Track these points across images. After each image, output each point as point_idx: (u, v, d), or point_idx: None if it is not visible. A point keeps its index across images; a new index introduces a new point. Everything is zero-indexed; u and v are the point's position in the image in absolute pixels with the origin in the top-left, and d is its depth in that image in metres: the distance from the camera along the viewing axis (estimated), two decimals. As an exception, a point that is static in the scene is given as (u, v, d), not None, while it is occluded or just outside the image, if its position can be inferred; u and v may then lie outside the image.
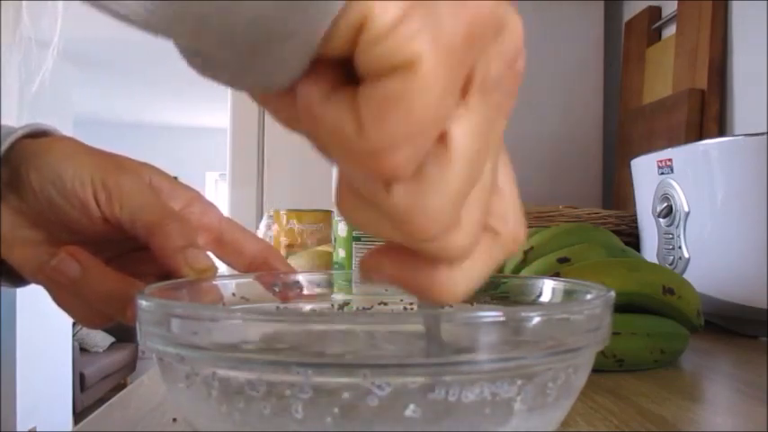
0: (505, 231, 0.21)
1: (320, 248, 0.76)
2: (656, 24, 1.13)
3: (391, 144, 0.16)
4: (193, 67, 0.18)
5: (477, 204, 0.20)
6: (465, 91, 0.18)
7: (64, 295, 0.33)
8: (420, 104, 0.16)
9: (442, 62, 0.16)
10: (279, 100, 0.19)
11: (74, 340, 3.72)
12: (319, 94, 0.17)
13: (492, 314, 0.21)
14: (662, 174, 0.73)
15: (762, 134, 0.61)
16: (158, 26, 0.16)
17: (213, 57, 0.17)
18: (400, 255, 0.20)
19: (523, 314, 0.22)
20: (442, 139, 0.17)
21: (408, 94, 0.16)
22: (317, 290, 0.36)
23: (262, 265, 0.34)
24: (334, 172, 0.20)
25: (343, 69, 0.17)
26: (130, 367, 4.72)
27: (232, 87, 0.19)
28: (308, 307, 0.36)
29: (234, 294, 0.33)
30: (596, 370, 0.26)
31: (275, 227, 0.88)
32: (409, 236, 0.19)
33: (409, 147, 0.17)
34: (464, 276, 0.21)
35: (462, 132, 0.18)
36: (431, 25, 0.16)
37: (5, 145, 0.32)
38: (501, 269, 0.65)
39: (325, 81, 0.17)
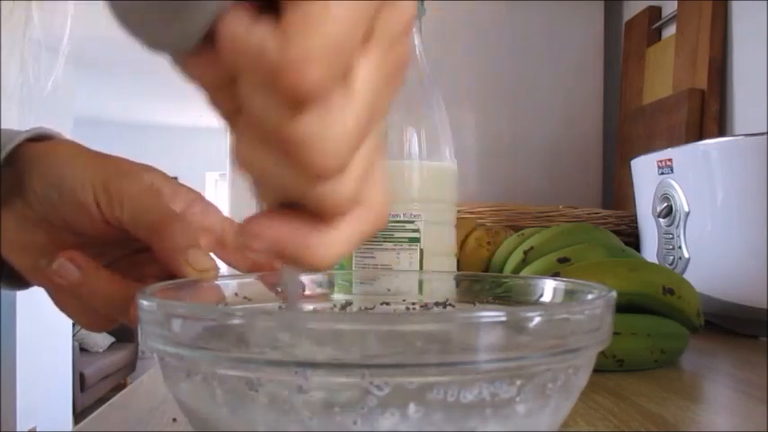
0: (377, 205, 0.24)
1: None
2: (656, 24, 1.13)
3: (310, 57, 0.18)
4: (119, 22, 0.20)
5: (365, 159, 0.22)
6: (366, 40, 0.20)
7: (65, 299, 0.33)
8: (336, 24, 0.19)
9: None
10: (196, 59, 0.21)
11: (74, 340, 3.72)
12: (243, 23, 0.19)
13: (493, 314, 0.21)
14: (662, 174, 0.73)
15: (762, 134, 0.61)
16: None
17: (132, 11, 0.20)
18: (280, 218, 0.22)
19: (524, 314, 0.22)
20: (346, 77, 0.20)
21: (326, 13, 0.18)
22: (319, 290, 0.36)
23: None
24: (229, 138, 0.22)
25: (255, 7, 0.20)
26: (130, 367, 4.72)
27: (152, 48, 0.21)
28: (310, 307, 0.36)
29: (236, 294, 0.33)
30: (596, 370, 0.26)
31: (275, 227, 0.88)
32: (305, 166, 0.20)
33: (323, 64, 0.19)
34: (335, 241, 0.23)
35: (365, 71, 0.20)
36: None
37: (8, 149, 0.32)
38: (501, 269, 0.65)
39: (244, 15, 0.19)
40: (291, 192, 0.22)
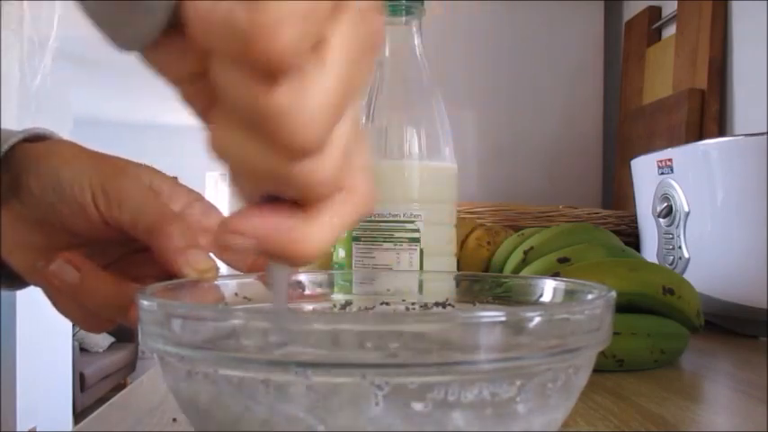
0: (360, 189, 0.23)
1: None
2: (656, 24, 1.13)
3: (280, 22, 0.18)
4: (91, 23, 0.21)
5: (343, 137, 0.21)
6: (337, 12, 0.19)
7: (63, 300, 0.33)
8: None
9: None
10: (163, 50, 0.22)
11: (74, 340, 3.72)
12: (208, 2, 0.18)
13: (493, 314, 0.21)
14: (662, 174, 0.73)
15: (762, 134, 0.61)
16: None
17: (95, 12, 0.21)
18: (261, 212, 0.22)
19: (524, 314, 0.22)
20: (318, 49, 0.19)
21: None
22: (319, 290, 0.36)
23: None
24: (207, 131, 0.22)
25: None
26: (130, 367, 4.72)
27: (121, 47, 0.22)
28: (309, 307, 0.36)
29: (236, 294, 0.33)
30: (596, 370, 0.26)
31: (275, 227, 0.88)
32: (283, 142, 0.19)
33: (294, 29, 0.18)
34: (320, 231, 0.22)
35: (337, 42, 0.19)
36: None
37: (4, 149, 0.32)
38: (501, 269, 0.65)
39: None
40: (270, 178, 0.21)
